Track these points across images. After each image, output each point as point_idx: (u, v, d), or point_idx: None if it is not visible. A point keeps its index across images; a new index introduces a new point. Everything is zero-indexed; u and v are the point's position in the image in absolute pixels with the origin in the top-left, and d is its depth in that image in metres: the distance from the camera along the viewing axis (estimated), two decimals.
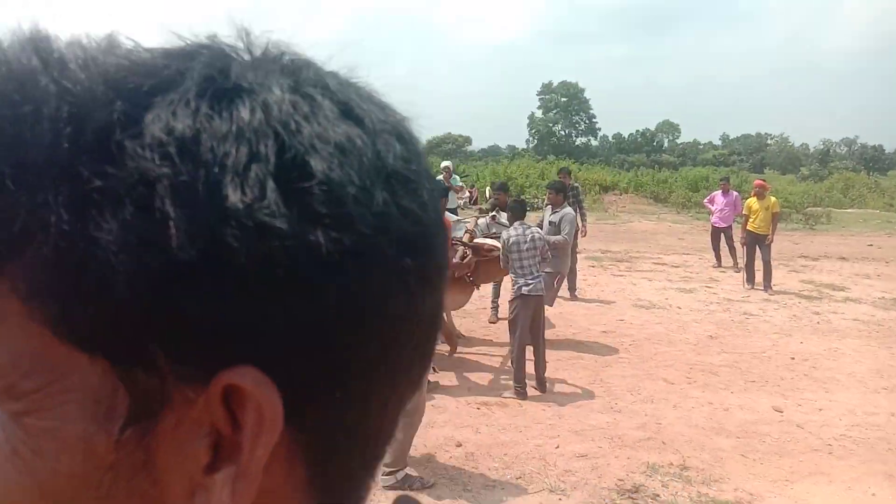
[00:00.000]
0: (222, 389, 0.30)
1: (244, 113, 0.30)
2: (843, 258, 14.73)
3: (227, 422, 0.30)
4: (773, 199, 11.22)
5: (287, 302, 0.29)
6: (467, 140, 77.54)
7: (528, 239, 5.99)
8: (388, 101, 0.36)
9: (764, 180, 12.37)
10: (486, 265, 6.55)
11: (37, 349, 0.29)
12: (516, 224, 6.12)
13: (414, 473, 4.38)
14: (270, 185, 0.29)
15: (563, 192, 7.76)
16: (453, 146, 71.38)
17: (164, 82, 0.30)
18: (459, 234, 7.26)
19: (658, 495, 4.33)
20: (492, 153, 76.43)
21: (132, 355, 0.29)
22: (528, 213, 6.58)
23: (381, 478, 4.23)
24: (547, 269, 7.41)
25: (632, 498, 4.28)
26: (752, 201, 11.14)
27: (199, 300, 0.28)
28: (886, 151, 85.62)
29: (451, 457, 4.78)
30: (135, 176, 0.28)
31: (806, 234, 19.41)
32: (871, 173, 56.57)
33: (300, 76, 0.33)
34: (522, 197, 12.11)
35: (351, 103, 0.33)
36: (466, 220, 8.53)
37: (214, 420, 0.30)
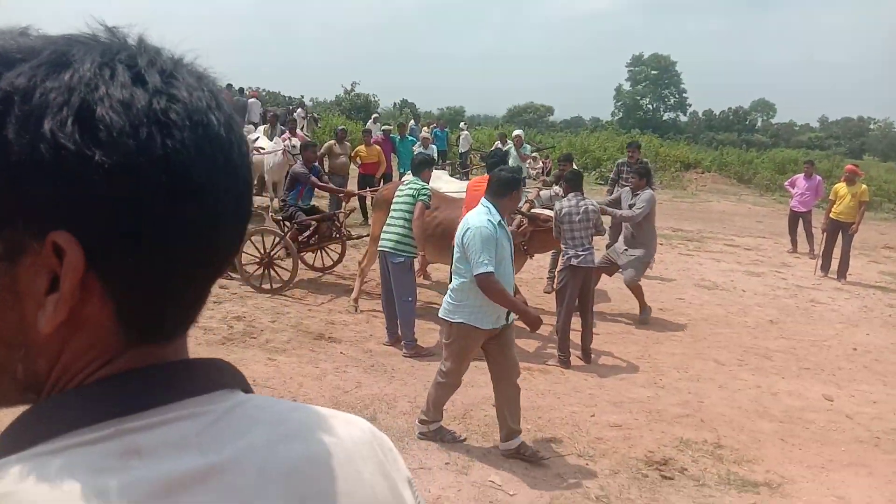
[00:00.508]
0: (51, 244, 0.50)
1: (66, 77, 0.51)
2: None
3: (57, 265, 0.51)
4: (863, 186, 10.65)
5: (78, 194, 0.50)
6: (549, 110, 76.17)
7: (580, 210, 6.01)
8: (185, 78, 0.56)
9: (857, 166, 11.68)
10: (542, 235, 6.58)
11: None
12: (570, 195, 6.14)
13: (448, 427, 4.57)
14: (70, 121, 0.49)
15: (646, 178, 7.62)
16: (534, 115, 70.34)
17: (30, 56, 0.52)
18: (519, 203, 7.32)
19: (686, 469, 4.37)
20: (574, 124, 74.75)
21: (3, 220, 0.51)
22: (602, 186, 6.58)
23: (416, 424, 4.48)
24: (636, 254, 7.38)
25: (659, 469, 4.34)
26: (841, 186, 10.63)
27: (32, 187, 0.50)
28: None
29: (486, 415, 4.94)
30: None
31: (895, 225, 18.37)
32: None
33: (114, 56, 0.53)
34: (590, 170, 11.83)
35: (145, 74, 0.53)
36: (529, 190, 8.56)
37: (50, 263, 0.51)
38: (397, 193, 6.21)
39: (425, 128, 20.28)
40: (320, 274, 8.58)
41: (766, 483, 4.27)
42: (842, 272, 10.35)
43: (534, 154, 19.06)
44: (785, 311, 8.44)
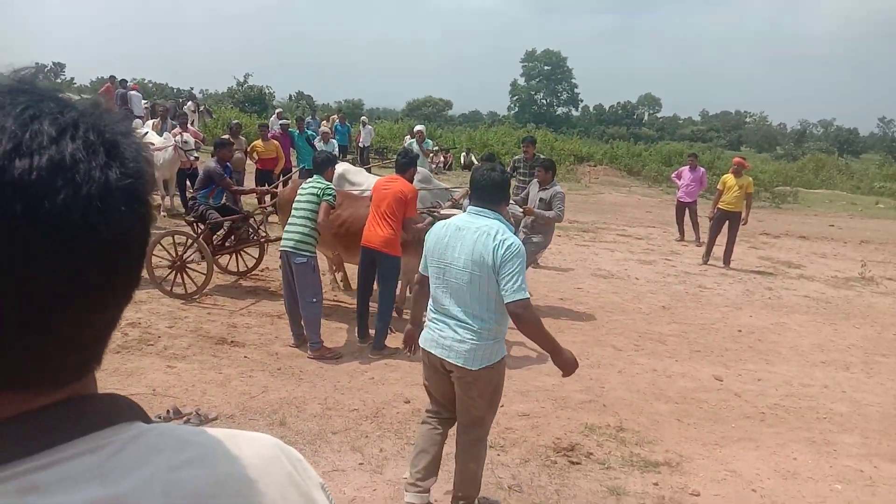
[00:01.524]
0: None
1: None
2: (804, 237, 15.07)
3: None
4: (749, 178, 11.20)
5: None
6: (448, 104, 76.79)
7: None
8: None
9: (744, 158, 12.36)
10: None
11: None
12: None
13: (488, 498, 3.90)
14: None
15: (552, 171, 7.79)
16: (433, 109, 70.72)
17: None
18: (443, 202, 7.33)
19: (592, 454, 4.53)
20: (472, 119, 75.95)
21: None
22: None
23: None
24: (535, 240, 7.58)
25: (567, 455, 4.48)
26: (729, 178, 11.12)
27: None
28: (861, 135, 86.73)
29: (398, 412, 4.94)
30: None
31: (772, 212, 19.76)
32: (843, 155, 57.29)
33: None
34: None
35: None
36: (456, 188, 8.43)
37: None
38: (299, 192, 6.08)
39: (325, 121, 19.96)
40: (237, 278, 8.23)
41: (666, 462, 4.50)
42: (727, 259, 11.01)
43: (435, 149, 19.20)
44: (675, 296, 8.91)
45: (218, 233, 7.71)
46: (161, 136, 11.85)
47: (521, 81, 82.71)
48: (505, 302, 3.29)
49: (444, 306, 3.44)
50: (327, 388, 5.27)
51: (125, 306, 0.64)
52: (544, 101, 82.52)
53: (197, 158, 11.33)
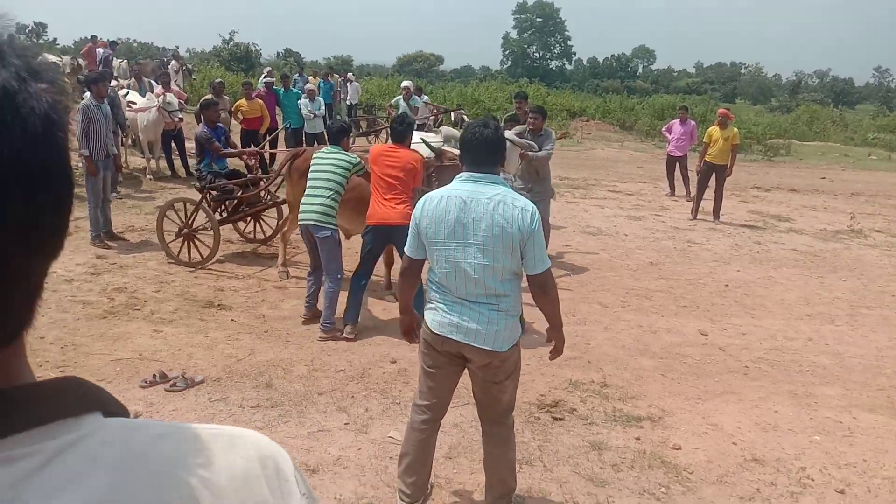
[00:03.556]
0: None
1: None
2: (795, 190, 15.05)
3: None
4: (734, 129, 11.12)
5: None
6: (439, 59, 75.75)
7: None
8: None
9: (728, 109, 12.21)
10: (449, 172, 6.30)
11: None
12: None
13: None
14: None
15: (545, 117, 7.81)
16: (424, 65, 69.72)
17: None
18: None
19: (575, 409, 4.59)
20: (465, 74, 74.88)
21: None
22: None
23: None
24: (541, 188, 7.52)
25: (550, 411, 4.54)
26: (714, 130, 11.01)
27: None
28: (856, 85, 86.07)
29: (384, 372, 4.98)
30: None
31: (763, 166, 19.70)
32: (839, 106, 56.88)
33: None
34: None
35: None
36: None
37: None
38: (316, 162, 5.78)
39: (312, 78, 19.64)
40: (257, 245, 8.07)
41: (649, 417, 4.56)
42: (716, 213, 10.99)
43: (426, 103, 18.93)
44: (664, 252, 8.92)
45: (229, 199, 7.57)
46: (143, 97, 11.67)
47: (514, 34, 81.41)
48: (531, 273, 3.05)
49: (459, 289, 3.08)
50: (314, 350, 5.29)
51: (58, 254, 0.54)
52: (537, 55, 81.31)
53: (181, 119, 11.17)
